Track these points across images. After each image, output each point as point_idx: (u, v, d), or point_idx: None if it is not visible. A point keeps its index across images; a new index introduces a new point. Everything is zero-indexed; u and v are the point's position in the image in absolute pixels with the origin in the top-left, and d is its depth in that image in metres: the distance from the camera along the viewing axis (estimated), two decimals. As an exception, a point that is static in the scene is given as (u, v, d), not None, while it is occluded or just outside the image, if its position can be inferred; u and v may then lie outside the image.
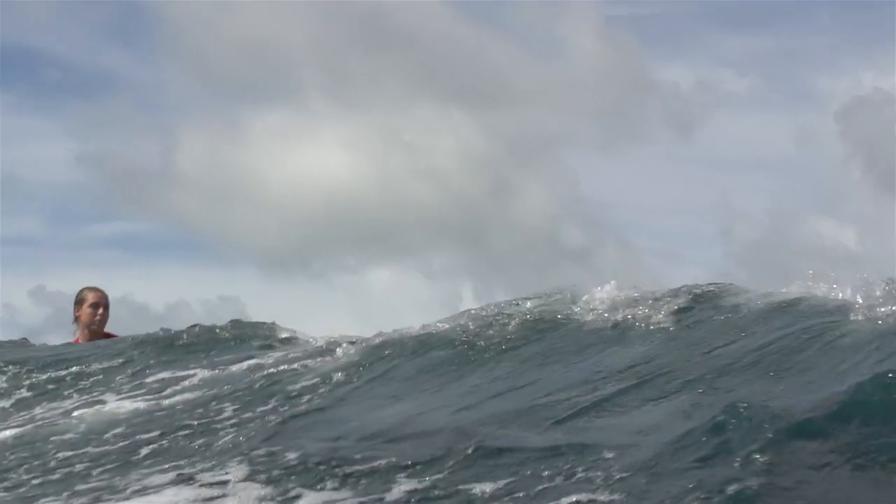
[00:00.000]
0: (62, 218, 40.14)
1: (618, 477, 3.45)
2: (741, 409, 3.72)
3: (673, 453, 3.58)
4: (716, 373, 4.42)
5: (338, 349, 5.76)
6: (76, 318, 8.03)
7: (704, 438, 3.63)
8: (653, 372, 4.56)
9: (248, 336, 6.66)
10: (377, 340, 5.90)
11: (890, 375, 3.78)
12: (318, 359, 5.65)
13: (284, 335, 6.66)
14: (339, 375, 5.28)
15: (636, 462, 3.54)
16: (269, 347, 6.34)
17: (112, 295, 8.00)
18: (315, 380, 5.28)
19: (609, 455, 3.64)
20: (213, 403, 4.98)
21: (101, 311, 7.88)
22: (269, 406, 4.89)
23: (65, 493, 3.88)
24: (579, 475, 3.51)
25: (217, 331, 6.73)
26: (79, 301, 8.09)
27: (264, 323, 6.98)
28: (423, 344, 5.62)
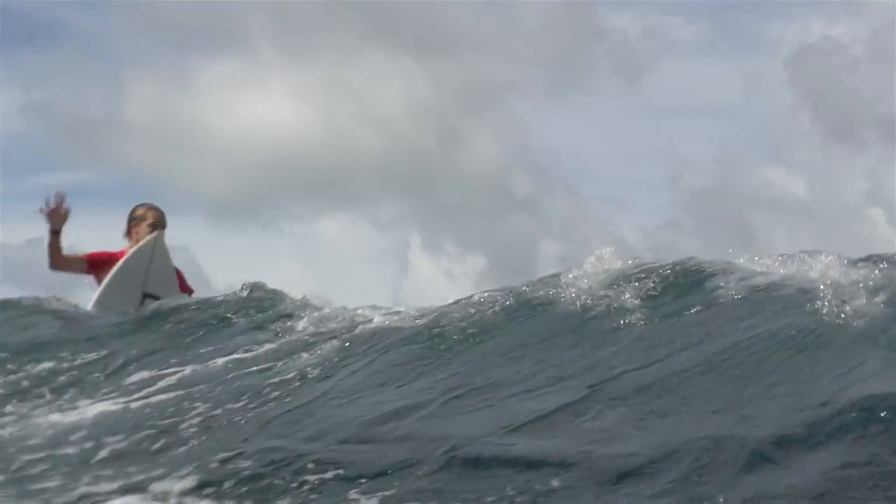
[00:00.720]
0: (6, 169, 39.09)
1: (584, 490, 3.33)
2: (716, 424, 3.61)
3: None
4: (691, 374, 4.26)
5: (331, 340, 5.62)
6: (129, 235, 7.98)
7: (686, 449, 3.51)
8: (627, 372, 4.41)
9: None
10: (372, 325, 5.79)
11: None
12: (302, 354, 5.50)
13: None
14: (315, 371, 5.15)
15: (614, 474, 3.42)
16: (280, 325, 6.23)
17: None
18: (292, 374, 5.14)
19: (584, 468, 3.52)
20: (186, 404, 4.87)
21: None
22: (239, 405, 4.76)
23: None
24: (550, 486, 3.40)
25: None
26: (136, 218, 8.00)
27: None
28: (408, 334, 5.47)
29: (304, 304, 6.79)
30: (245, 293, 6.99)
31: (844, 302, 4.87)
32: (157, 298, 7.71)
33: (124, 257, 7.83)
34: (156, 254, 7.82)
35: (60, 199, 7.66)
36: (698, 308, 5.12)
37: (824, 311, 4.78)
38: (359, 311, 6.29)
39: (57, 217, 7.67)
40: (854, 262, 5.65)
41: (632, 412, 3.96)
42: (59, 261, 7.80)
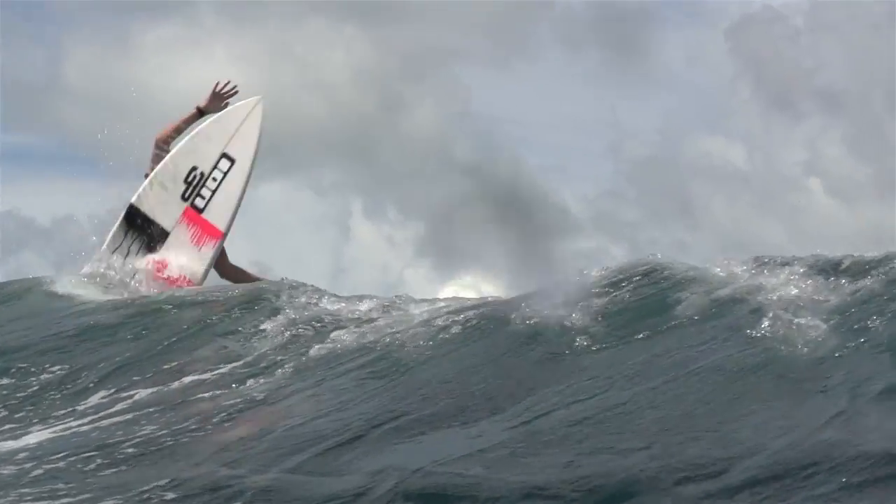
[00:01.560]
0: (-59, 132, 38.71)
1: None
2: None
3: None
4: (627, 408, 4.24)
5: (287, 364, 5.59)
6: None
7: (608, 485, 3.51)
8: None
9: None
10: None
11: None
12: (259, 378, 5.44)
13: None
14: (267, 396, 5.11)
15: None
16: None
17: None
18: (244, 398, 5.11)
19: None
20: (135, 428, 4.86)
21: None
22: (187, 430, 4.75)
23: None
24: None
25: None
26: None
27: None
28: (359, 357, 5.44)
29: (289, 302, 6.80)
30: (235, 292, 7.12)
31: (799, 327, 4.81)
32: (232, 161, 7.94)
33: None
34: (250, 118, 8.05)
35: (232, 89, 8.07)
36: (647, 333, 5.07)
37: (773, 337, 4.72)
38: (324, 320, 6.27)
39: (216, 101, 8.07)
40: (826, 270, 5.60)
41: (564, 448, 3.94)
42: (176, 134, 8.14)
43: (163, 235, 8.08)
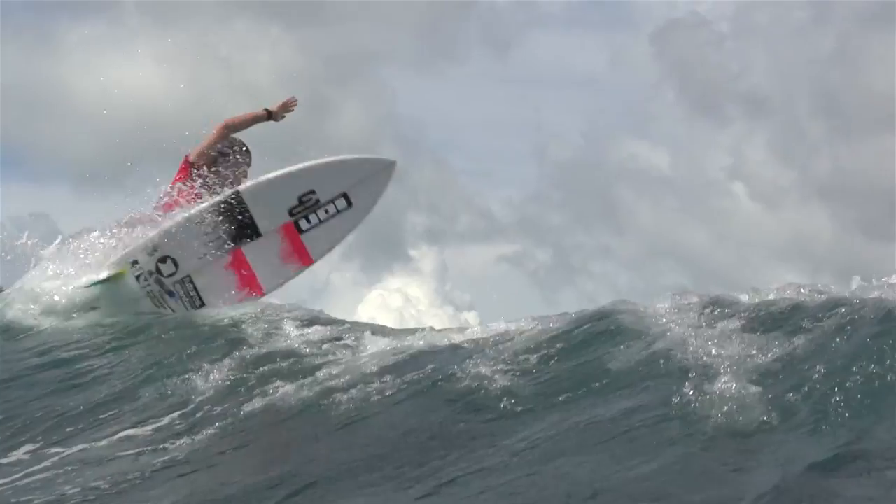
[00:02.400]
0: None
1: None
2: None
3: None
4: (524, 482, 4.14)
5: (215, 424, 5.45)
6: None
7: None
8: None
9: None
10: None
11: None
12: (183, 438, 5.30)
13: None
14: (187, 457, 5.04)
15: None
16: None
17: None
18: (166, 459, 5.02)
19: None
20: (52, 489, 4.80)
21: None
22: (102, 494, 4.67)
23: None
24: None
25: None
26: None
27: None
28: (287, 414, 5.35)
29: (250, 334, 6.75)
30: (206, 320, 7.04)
31: (728, 393, 4.65)
32: (350, 203, 8.16)
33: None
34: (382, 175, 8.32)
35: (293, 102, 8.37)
36: (572, 395, 4.97)
37: (701, 405, 4.58)
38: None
39: (283, 111, 8.35)
40: (769, 319, 5.46)
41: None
42: (244, 125, 8.33)
43: (254, 234, 8.11)
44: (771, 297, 5.76)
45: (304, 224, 8.13)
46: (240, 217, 8.02)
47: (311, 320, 7.07)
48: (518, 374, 5.21)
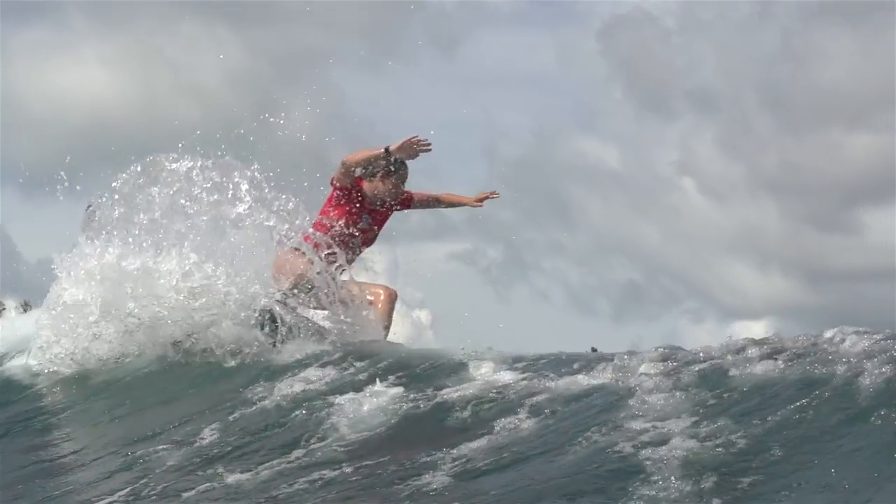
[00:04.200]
0: None
1: None
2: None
3: None
4: None
5: None
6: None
7: None
8: None
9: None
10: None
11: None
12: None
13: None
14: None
15: None
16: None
17: None
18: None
19: None
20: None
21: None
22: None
23: None
24: None
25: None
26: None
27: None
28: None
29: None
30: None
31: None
32: None
33: None
34: None
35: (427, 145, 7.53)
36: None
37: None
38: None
39: (408, 151, 7.52)
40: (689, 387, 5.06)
41: None
42: (362, 163, 7.54)
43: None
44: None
45: None
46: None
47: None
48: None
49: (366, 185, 7.62)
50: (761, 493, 4.00)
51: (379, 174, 7.60)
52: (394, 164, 7.59)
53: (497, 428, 5.02)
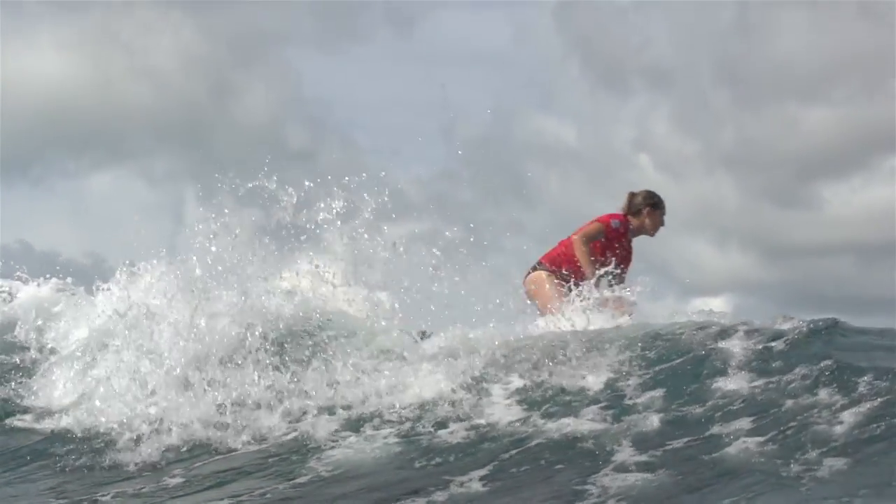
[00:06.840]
0: None
1: None
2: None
3: None
4: None
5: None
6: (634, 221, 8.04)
7: None
8: None
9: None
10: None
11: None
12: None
13: None
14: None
15: None
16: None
17: None
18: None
19: None
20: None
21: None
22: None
23: None
24: None
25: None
26: (653, 205, 8.10)
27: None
28: None
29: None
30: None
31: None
32: None
33: None
34: None
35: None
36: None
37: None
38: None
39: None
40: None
41: None
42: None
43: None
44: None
45: None
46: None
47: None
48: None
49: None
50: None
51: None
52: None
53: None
